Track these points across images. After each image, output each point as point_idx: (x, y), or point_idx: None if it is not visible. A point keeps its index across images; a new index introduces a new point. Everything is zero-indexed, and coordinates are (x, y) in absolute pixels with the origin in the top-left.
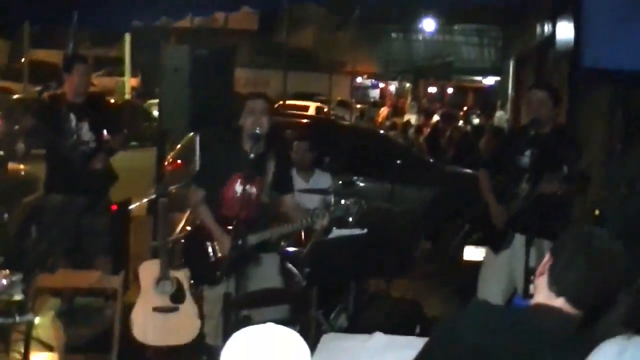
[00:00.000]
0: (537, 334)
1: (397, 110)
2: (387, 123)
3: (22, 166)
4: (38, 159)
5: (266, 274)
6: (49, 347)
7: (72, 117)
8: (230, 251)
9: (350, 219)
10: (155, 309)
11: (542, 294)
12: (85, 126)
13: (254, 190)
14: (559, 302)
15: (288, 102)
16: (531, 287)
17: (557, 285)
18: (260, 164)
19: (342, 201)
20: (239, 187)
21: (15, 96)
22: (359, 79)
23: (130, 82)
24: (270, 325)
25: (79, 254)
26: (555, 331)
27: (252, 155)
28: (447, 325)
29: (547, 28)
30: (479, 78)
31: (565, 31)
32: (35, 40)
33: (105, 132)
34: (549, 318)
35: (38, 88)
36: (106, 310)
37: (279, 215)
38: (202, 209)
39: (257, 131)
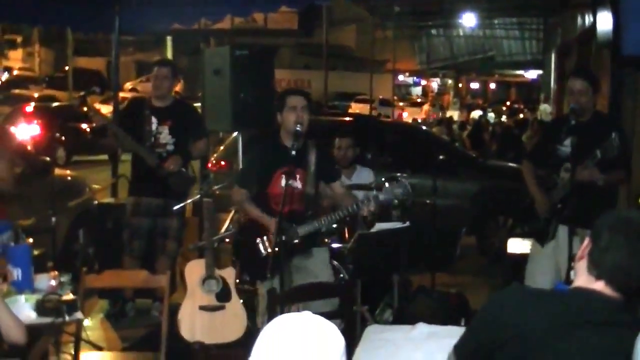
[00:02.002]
0: (577, 315)
1: (440, 107)
2: (430, 120)
3: (67, 171)
4: (78, 165)
5: (317, 268)
6: (98, 348)
7: (154, 120)
8: (274, 248)
9: (396, 202)
10: (202, 308)
11: (582, 277)
12: (165, 129)
13: (298, 184)
14: (599, 285)
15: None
16: (572, 273)
17: (596, 269)
18: (301, 158)
19: (387, 184)
20: (283, 183)
21: (55, 104)
22: (400, 77)
23: None
24: (308, 313)
25: (149, 255)
26: (595, 312)
27: (293, 152)
28: (489, 310)
29: (587, 19)
30: (521, 72)
31: (606, 21)
32: (77, 48)
33: (189, 137)
34: (589, 300)
35: (81, 93)
36: (153, 312)
37: (326, 206)
38: (247, 205)
39: (299, 129)
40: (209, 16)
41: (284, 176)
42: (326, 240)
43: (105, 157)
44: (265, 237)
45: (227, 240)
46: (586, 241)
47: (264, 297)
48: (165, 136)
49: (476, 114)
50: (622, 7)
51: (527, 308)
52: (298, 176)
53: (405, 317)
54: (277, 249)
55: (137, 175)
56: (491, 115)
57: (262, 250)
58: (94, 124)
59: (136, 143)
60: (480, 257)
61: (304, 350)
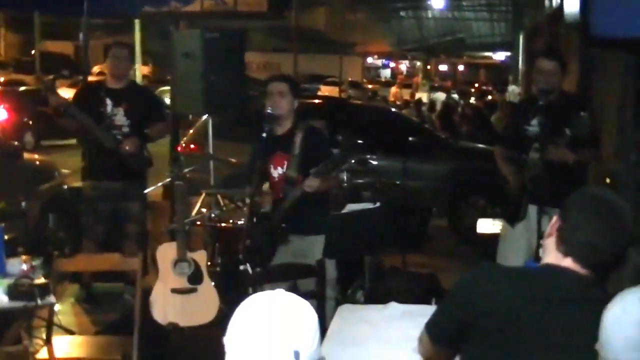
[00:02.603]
0: (547, 292)
1: (409, 89)
2: (399, 102)
3: (36, 155)
4: (47, 149)
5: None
6: (70, 332)
7: (109, 102)
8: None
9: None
10: (174, 291)
11: (551, 254)
12: (120, 111)
13: (283, 170)
14: (567, 262)
15: None
16: (541, 250)
17: (565, 245)
18: (286, 142)
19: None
20: (273, 171)
21: (22, 88)
22: (369, 59)
23: (141, 69)
24: (281, 290)
25: (112, 240)
26: (565, 288)
27: (263, 135)
28: (460, 287)
29: (555, 0)
30: (490, 54)
31: (573, 2)
32: (45, 32)
33: (144, 120)
34: (558, 276)
35: (50, 77)
36: (125, 295)
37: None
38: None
39: (269, 111)
40: None
41: (272, 164)
42: None
43: (74, 141)
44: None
45: (199, 223)
46: (555, 218)
47: None
48: (120, 118)
49: (439, 96)
50: None
51: (497, 285)
52: (285, 162)
53: (376, 297)
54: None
55: (94, 158)
56: (455, 97)
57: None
58: (52, 105)
59: (94, 124)
60: (452, 238)
61: (278, 325)
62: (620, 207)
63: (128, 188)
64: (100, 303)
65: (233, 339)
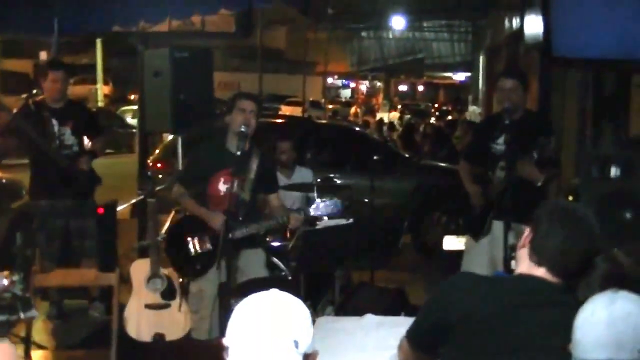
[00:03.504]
0: (522, 298)
1: (369, 109)
2: (359, 121)
3: (1, 174)
4: (8, 168)
5: (252, 268)
6: (42, 347)
7: (54, 122)
8: (221, 243)
9: (326, 219)
10: (148, 306)
11: (524, 264)
12: (67, 131)
13: (235, 187)
14: (540, 272)
15: None
16: (512, 263)
17: (537, 255)
18: (243, 162)
19: (320, 201)
20: (222, 185)
21: None
22: (330, 79)
23: (102, 89)
24: (275, 290)
25: (67, 257)
26: (538, 294)
27: (238, 153)
28: (438, 295)
29: (515, 21)
30: (450, 74)
31: (534, 23)
32: (4, 50)
33: (86, 136)
34: (532, 283)
35: (24, 96)
36: (90, 311)
37: (260, 213)
38: (185, 200)
39: (243, 129)
40: (149, 17)
41: (222, 179)
42: (267, 239)
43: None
44: (195, 237)
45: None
46: (527, 230)
47: (194, 295)
48: (68, 137)
49: (392, 115)
50: (553, 10)
51: (474, 292)
52: (237, 180)
53: (346, 311)
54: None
55: (43, 177)
56: (407, 117)
57: (192, 250)
58: (6, 121)
59: (46, 143)
60: (416, 254)
61: (277, 318)
62: (586, 218)
63: (80, 205)
64: (68, 319)
65: (235, 336)
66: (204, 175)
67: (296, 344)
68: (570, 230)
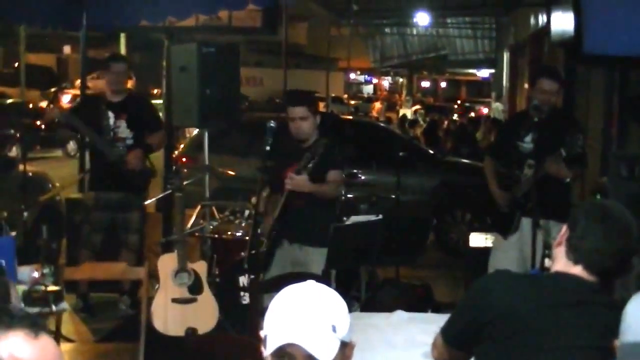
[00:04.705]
0: (558, 297)
1: (391, 105)
2: (381, 117)
3: (28, 167)
4: (33, 161)
5: (313, 266)
6: (69, 341)
7: (110, 114)
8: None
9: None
10: (175, 300)
11: (561, 262)
12: (123, 124)
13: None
14: (577, 270)
15: None
16: (546, 260)
17: (574, 254)
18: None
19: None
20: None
21: (10, 100)
22: (352, 75)
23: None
24: (311, 281)
25: (110, 249)
26: (575, 294)
27: (267, 147)
28: (475, 292)
29: (540, 18)
30: (473, 70)
31: (559, 20)
32: (26, 44)
33: (146, 130)
34: (569, 282)
35: (53, 90)
36: (120, 305)
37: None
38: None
39: (272, 124)
40: (176, 14)
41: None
42: None
43: (59, 153)
44: None
45: (197, 234)
46: (564, 229)
47: None
48: (123, 130)
49: (415, 108)
50: (584, 7)
51: (511, 290)
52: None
53: (372, 308)
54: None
55: (97, 169)
56: (421, 113)
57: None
58: (54, 117)
59: (97, 137)
60: (439, 252)
61: (316, 303)
62: (624, 217)
63: (129, 199)
64: (95, 313)
65: (273, 322)
66: (279, 171)
67: (334, 328)
68: (608, 229)
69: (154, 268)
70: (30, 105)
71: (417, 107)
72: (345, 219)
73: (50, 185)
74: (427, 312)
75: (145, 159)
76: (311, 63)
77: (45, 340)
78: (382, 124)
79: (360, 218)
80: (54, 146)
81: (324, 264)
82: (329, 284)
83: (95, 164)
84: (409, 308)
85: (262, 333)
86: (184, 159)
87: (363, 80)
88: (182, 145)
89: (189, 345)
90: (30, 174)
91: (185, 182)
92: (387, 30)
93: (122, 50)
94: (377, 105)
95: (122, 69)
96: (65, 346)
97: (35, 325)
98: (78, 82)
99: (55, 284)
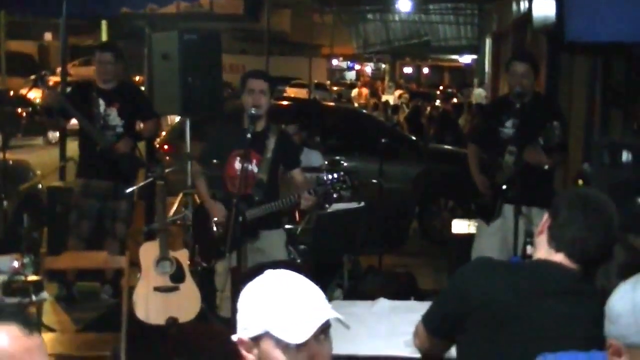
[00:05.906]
0: (540, 285)
1: (374, 91)
2: (365, 103)
3: (8, 155)
4: (15, 149)
5: (271, 249)
6: (51, 330)
7: (102, 102)
8: (232, 227)
9: (335, 196)
10: (157, 289)
11: (543, 250)
12: (113, 112)
13: (254, 167)
14: (559, 257)
15: None
16: (528, 248)
17: (556, 241)
18: (260, 142)
19: (326, 177)
20: (237, 165)
21: None
22: (334, 62)
23: None
24: (284, 270)
25: (97, 237)
26: (556, 282)
27: (248, 135)
28: (456, 281)
29: (523, 5)
30: (456, 57)
31: (541, 7)
32: (8, 31)
33: (137, 119)
34: (550, 270)
35: (32, 77)
36: (102, 294)
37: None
38: (199, 182)
39: (253, 112)
40: (157, 1)
41: (238, 158)
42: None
43: (39, 141)
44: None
45: (179, 222)
46: (545, 217)
47: (220, 274)
48: (114, 118)
49: (399, 93)
50: None
51: (492, 279)
52: (254, 160)
53: (355, 296)
54: (230, 228)
55: (86, 157)
56: (405, 98)
57: (215, 229)
58: (47, 103)
59: (89, 124)
60: (422, 239)
61: (307, 286)
62: (606, 205)
63: (118, 187)
64: (77, 302)
65: (275, 314)
66: (219, 155)
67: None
68: (589, 218)
69: (136, 257)
70: (12, 93)
71: (401, 91)
72: (327, 206)
73: (31, 174)
74: (411, 300)
75: (135, 149)
76: (294, 50)
77: (38, 340)
78: (364, 111)
79: (342, 205)
80: (35, 134)
81: (284, 243)
82: (309, 273)
83: (86, 151)
84: (392, 296)
85: (248, 335)
86: (165, 147)
87: (346, 67)
88: (163, 133)
89: (171, 334)
90: (11, 162)
91: (167, 170)
92: (369, 16)
93: (104, 37)
94: (364, 91)
95: (108, 59)
96: (47, 335)
97: (28, 323)
98: (59, 69)
99: (35, 273)
